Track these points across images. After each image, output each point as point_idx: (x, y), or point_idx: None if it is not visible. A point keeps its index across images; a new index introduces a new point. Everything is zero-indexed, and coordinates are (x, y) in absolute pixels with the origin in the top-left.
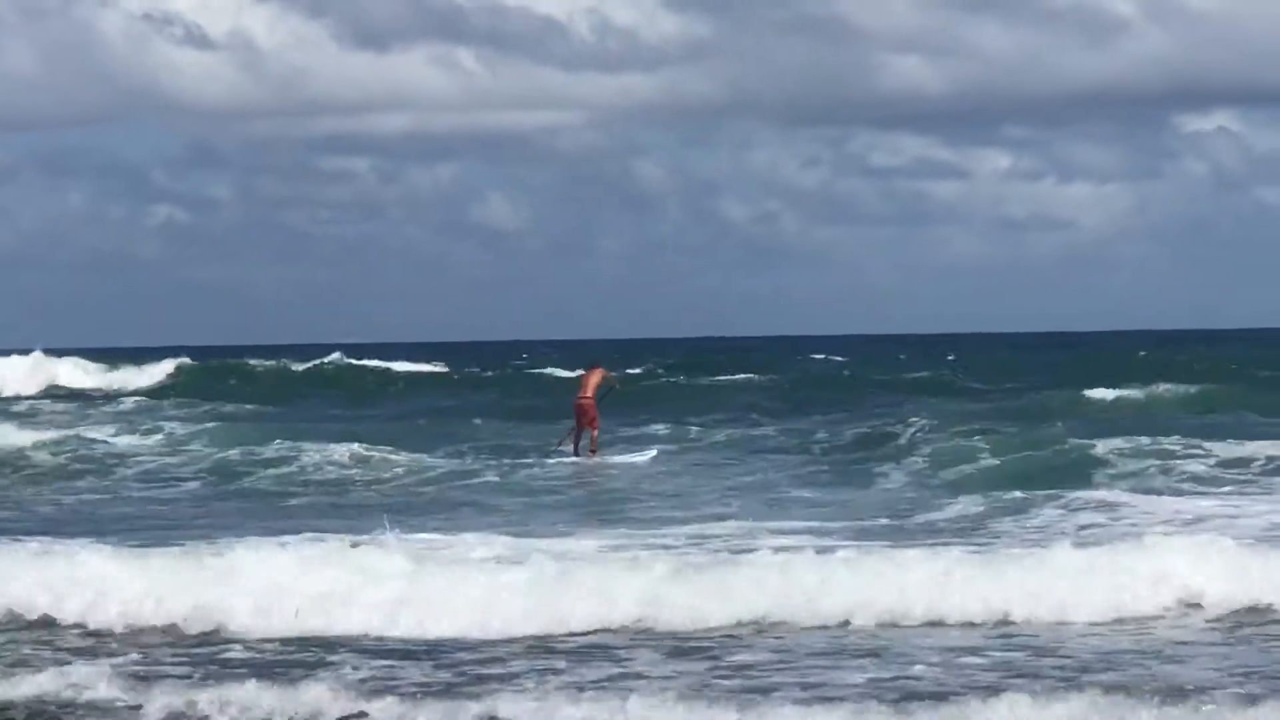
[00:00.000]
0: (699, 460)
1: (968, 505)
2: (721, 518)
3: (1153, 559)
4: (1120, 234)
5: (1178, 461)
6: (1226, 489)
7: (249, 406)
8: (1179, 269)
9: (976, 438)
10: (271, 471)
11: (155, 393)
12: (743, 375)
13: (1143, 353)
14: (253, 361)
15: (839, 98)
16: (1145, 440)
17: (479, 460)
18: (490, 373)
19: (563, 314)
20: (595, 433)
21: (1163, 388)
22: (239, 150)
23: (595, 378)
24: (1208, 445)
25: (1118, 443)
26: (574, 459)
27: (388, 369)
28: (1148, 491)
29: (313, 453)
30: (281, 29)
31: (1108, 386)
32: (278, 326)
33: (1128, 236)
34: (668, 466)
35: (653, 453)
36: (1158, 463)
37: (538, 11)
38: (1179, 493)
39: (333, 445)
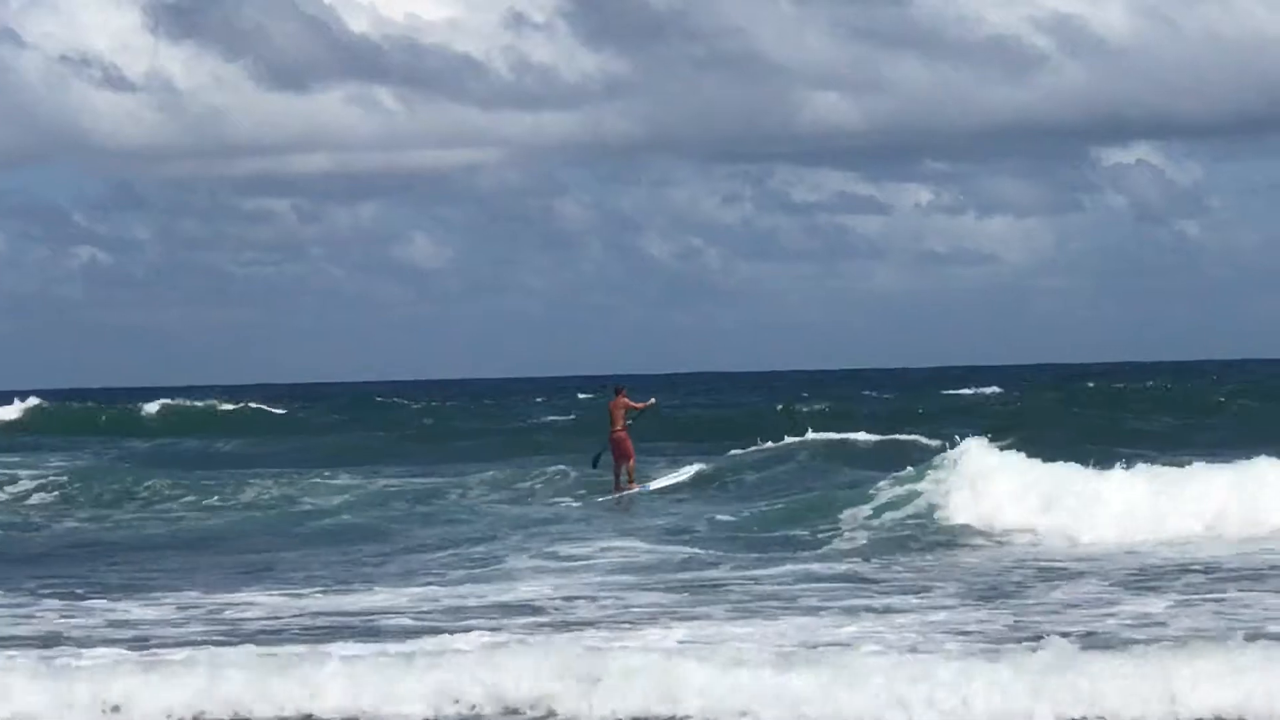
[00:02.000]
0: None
1: None
2: None
3: None
4: (1042, 267)
5: None
6: None
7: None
8: (1100, 302)
9: None
10: None
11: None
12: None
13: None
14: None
15: (758, 134)
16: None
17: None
18: (337, 415)
19: (486, 352)
20: (631, 463)
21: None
22: (159, 191)
23: (620, 409)
24: None
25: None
26: (615, 495)
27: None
28: None
29: None
30: (200, 70)
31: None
32: (201, 367)
33: (1049, 270)
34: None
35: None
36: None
37: (455, 50)
38: None
39: None
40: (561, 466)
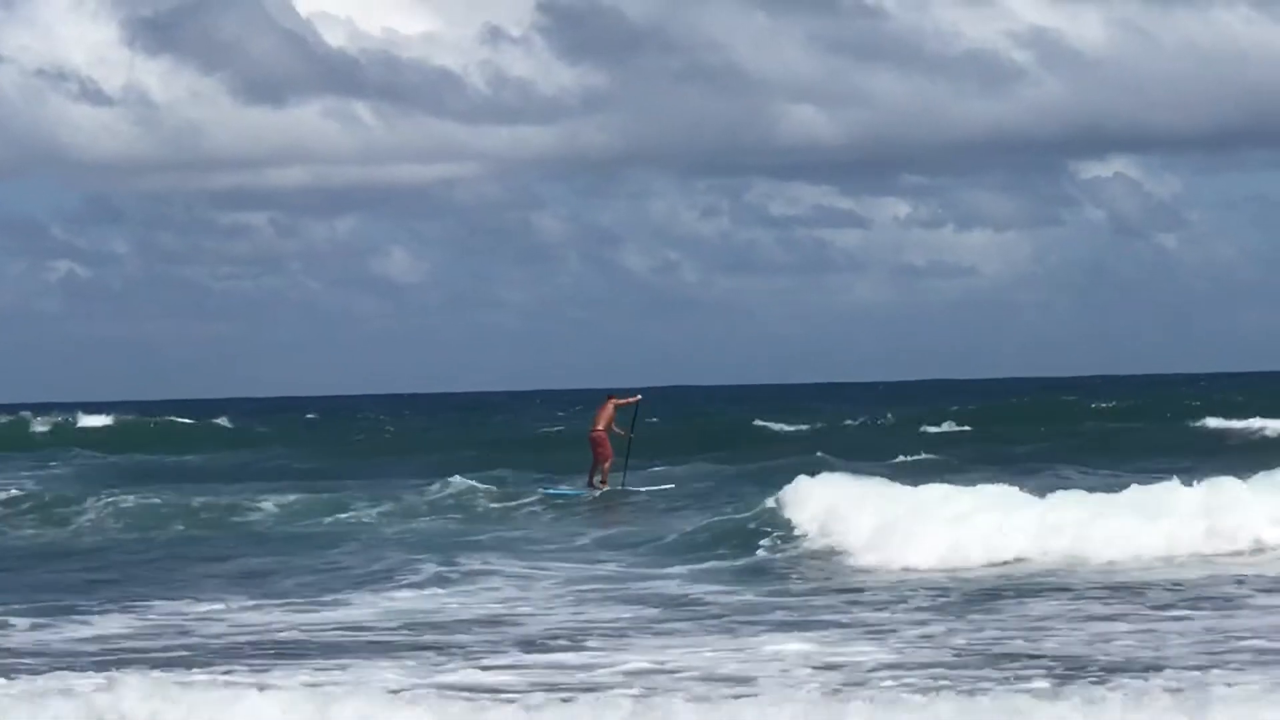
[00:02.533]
0: None
1: None
2: None
3: None
4: (1020, 281)
5: None
6: None
7: None
8: (1079, 315)
9: None
10: None
11: None
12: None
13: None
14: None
15: (736, 147)
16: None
17: None
18: (265, 428)
19: (464, 366)
20: (607, 465)
21: None
22: (137, 205)
23: (606, 411)
24: None
25: None
26: (593, 492)
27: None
28: None
29: None
30: (177, 84)
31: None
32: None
33: (1028, 283)
34: None
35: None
36: None
37: (433, 64)
38: None
39: None
40: (471, 482)
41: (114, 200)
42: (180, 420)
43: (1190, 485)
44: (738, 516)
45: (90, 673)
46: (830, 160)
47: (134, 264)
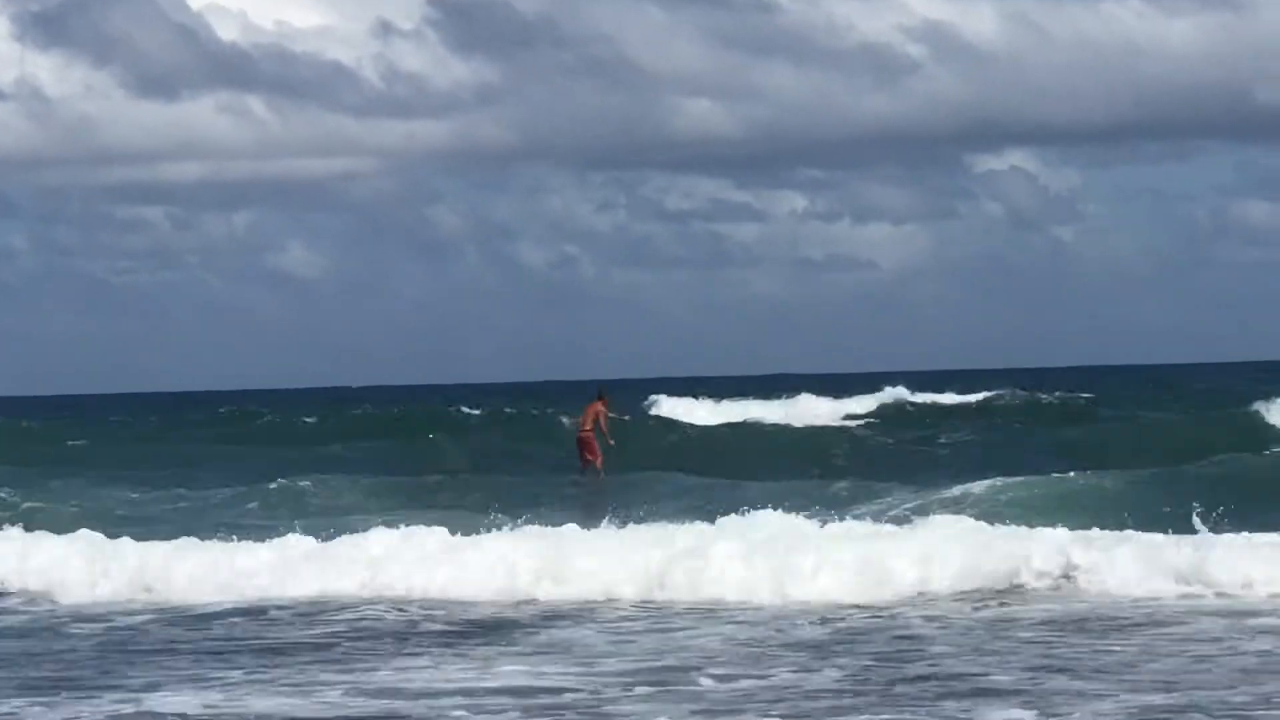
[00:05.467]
0: None
1: None
2: None
3: None
4: (918, 274)
5: None
6: None
7: None
8: (977, 308)
9: None
10: None
11: None
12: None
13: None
14: None
15: (631, 141)
16: None
17: None
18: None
19: (362, 360)
20: (599, 461)
21: None
22: (32, 199)
23: (594, 411)
24: None
25: None
26: (584, 475)
27: None
28: None
29: None
30: (69, 78)
31: None
32: (80, 376)
33: (926, 276)
34: None
35: None
36: None
37: (325, 58)
38: None
39: None
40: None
41: (9, 195)
42: None
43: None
44: None
45: None
46: (726, 154)
47: (30, 259)
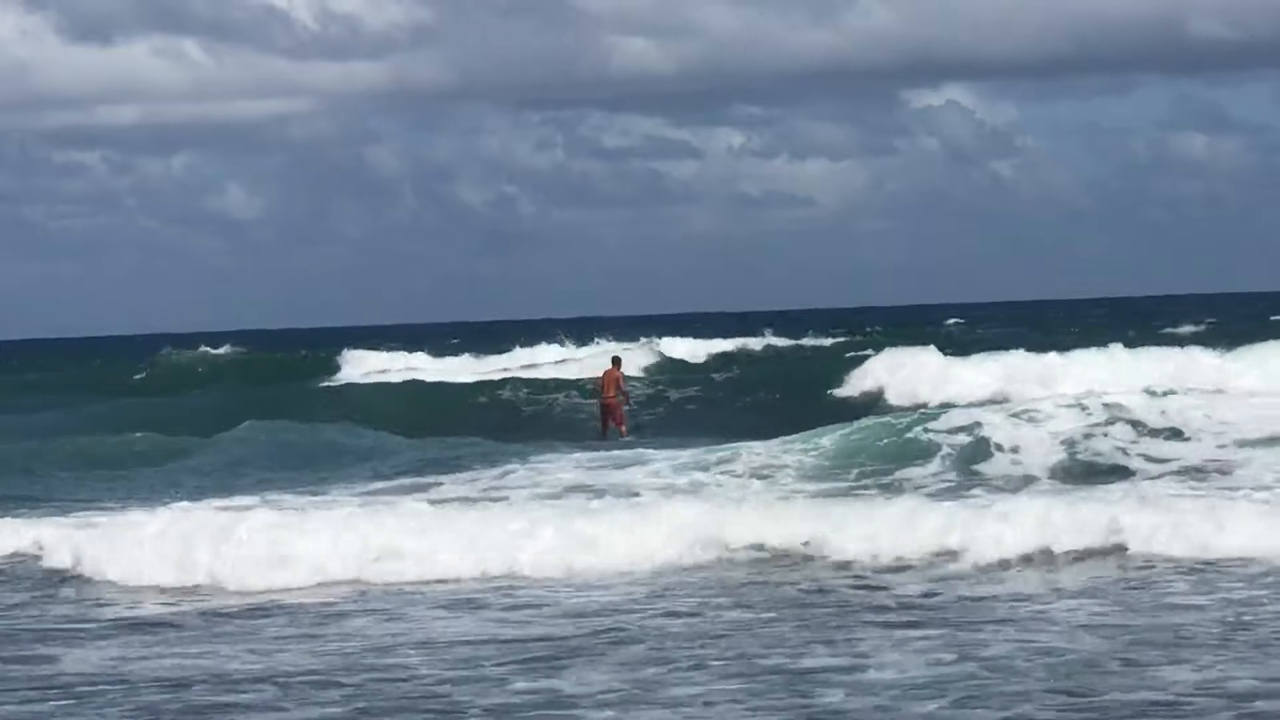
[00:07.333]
0: None
1: None
2: None
3: None
4: (857, 210)
5: None
6: None
7: None
8: (917, 243)
9: None
10: None
11: None
12: None
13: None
14: None
15: (568, 80)
16: None
17: None
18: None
19: (301, 301)
20: (623, 427)
21: None
22: None
23: (613, 377)
24: None
25: None
26: (605, 438)
27: None
28: None
29: None
30: (3, 23)
31: None
32: (17, 320)
33: (865, 212)
34: None
35: None
36: None
37: (259, 0)
38: None
39: None
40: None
41: None
42: None
43: None
44: None
45: None
46: (662, 91)
47: None
